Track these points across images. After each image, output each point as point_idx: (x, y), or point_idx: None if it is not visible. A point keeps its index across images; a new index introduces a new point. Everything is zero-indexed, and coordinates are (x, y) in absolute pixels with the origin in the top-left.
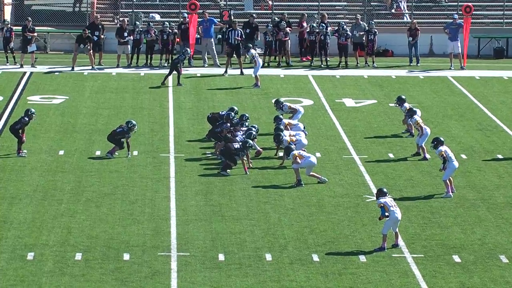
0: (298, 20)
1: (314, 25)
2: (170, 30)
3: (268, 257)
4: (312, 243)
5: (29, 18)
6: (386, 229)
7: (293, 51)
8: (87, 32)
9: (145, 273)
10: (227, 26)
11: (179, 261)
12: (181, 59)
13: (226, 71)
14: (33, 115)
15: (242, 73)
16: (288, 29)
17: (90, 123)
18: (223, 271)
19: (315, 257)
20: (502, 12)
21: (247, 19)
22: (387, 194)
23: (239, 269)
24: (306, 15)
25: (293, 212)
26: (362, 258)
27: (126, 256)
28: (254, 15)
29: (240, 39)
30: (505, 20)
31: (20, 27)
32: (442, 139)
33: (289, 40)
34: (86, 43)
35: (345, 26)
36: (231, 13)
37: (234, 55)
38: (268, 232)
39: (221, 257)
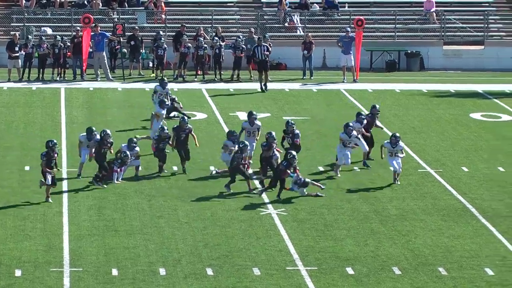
0: (194, 33)
1: (201, 39)
2: (62, 44)
3: (162, 271)
4: (206, 257)
5: None
6: None
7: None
8: None
9: None
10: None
11: (72, 276)
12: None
13: (261, 87)
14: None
15: (266, 88)
16: (189, 44)
17: None
18: (116, 286)
19: (209, 271)
20: (394, 25)
21: (132, 33)
22: None
23: (133, 284)
24: (202, 28)
25: (187, 226)
26: (256, 271)
27: (18, 272)
28: (137, 27)
29: (268, 53)
30: (397, 34)
31: None
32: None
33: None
34: None
35: (240, 38)
36: (125, 26)
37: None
38: (162, 247)
39: (114, 272)
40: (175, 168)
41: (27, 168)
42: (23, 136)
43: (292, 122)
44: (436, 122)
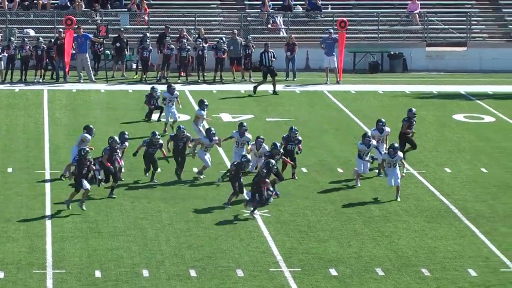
0: (177, 35)
1: (184, 40)
2: (44, 46)
3: (145, 273)
4: (189, 259)
5: None
6: None
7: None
8: None
9: None
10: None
11: (55, 278)
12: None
13: (254, 90)
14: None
15: (275, 92)
16: (172, 45)
17: None
18: None
19: (192, 273)
20: (377, 27)
21: (117, 34)
22: None
23: (116, 286)
24: (185, 29)
25: (170, 228)
26: (240, 273)
27: (1, 274)
28: (123, 29)
29: (275, 59)
30: (380, 35)
31: None
32: None
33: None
34: None
35: (222, 39)
36: (108, 28)
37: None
38: (145, 248)
39: (97, 273)
40: (158, 170)
41: (9, 170)
42: (6, 138)
43: (296, 128)
44: (419, 124)
